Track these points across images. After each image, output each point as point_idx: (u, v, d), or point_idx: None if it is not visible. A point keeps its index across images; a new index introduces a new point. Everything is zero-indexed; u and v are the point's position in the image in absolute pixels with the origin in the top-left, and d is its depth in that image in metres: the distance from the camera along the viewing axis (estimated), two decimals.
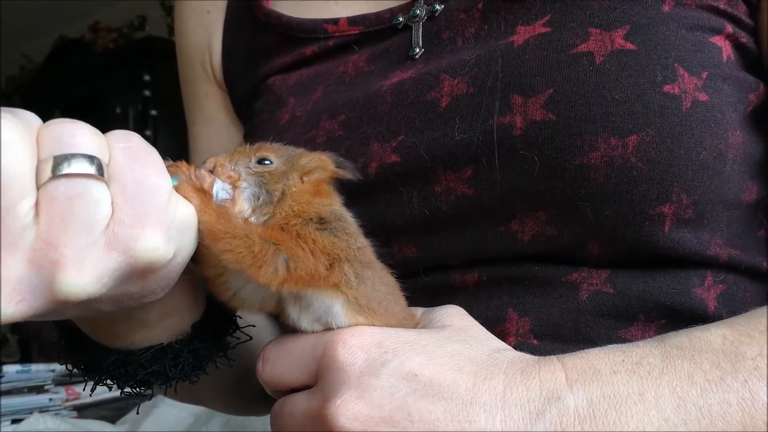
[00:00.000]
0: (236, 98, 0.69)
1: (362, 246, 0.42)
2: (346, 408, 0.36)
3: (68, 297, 0.31)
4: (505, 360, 0.39)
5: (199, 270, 0.41)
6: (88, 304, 0.33)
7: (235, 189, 0.41)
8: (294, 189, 0.41)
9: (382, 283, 0.42)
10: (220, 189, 0.40)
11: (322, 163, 0.43)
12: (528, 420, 0.36)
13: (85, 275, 0.31)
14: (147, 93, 3.21)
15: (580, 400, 0.36)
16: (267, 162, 0.42)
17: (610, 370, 0.37)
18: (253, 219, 0.40)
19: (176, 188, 0.37)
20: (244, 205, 0.40)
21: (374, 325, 0.40)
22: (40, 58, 3.82)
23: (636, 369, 0.37)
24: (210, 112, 0.72)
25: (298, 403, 0.40)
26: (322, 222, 0.40)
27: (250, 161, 0.42)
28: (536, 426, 0.35)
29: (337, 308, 0.40)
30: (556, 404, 0.36)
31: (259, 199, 0.41)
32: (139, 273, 0.34)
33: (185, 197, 0.37)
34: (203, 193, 0.38)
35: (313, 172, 0.43)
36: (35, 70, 3.92)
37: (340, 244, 0.39)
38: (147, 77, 3.23)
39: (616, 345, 0.40)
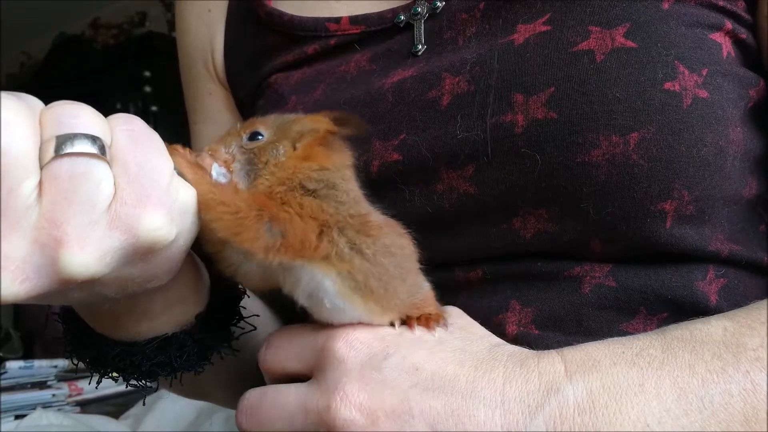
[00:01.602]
0: (239, 97, 0.69)
1: (358, 214, 0.38)
2: (349, 400, 0.37)
3: (71, 275, 0.32)
4: (505, 353, 0.39)
5: (202, 251, 0.41)
6: (91, 286, 0.34)
7: (231, 172, 0.40)
8: (282, 158, 0.40)
9: (389, 252, 0.38)
10: (219, 175, 0.40)
11: (315, 125, 0.41)
12: (527, 413, 0.36)
13: (87, 253, 0.32)
14: (147, 89, 3.20)
15: (580, 392, 0.36)
16: (260, 137, 0.41)
17: (610, 361, 0.37)
18: None
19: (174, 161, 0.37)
20: (240, 185, 0.40)
21: (370, 305, 0.39)
22: (40, 56, 3.81)
23: (636, 360, 0.37)
24: (213, 111, 0.72)
25: (292, 395, 0.40)
26: (305, 188, 0.38)
27: (242, 140, 0.41)
28: (536, 419, 0.35)
29: (329, 284, 0.37)
30: (555, 396, 0.36)
31: (251, 175, 0.40)
32: (141, 254, 0.34)
33: (182, 173, 0.37)
34: (200, 168, 0.38)
35: (306, 137, 0.40)
36: (35, 68, 3.90)
37: (328, 209, 0.37)
38: (147, 73, 3.21)
39: (617, 338, 0.40)
